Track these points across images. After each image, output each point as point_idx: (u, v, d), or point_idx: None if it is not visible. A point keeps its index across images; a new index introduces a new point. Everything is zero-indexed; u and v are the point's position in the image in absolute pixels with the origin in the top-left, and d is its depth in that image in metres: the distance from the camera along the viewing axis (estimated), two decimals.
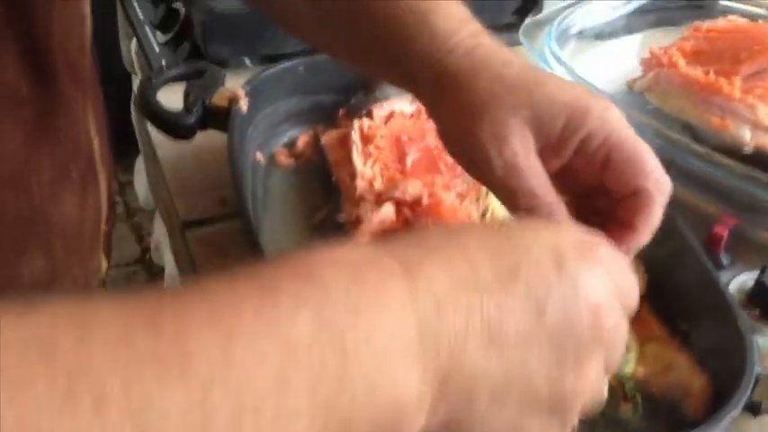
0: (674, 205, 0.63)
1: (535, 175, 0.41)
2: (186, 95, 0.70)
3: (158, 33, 1.26)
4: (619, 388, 0.52)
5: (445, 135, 0.45)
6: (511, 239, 0.34)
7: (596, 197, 0.44)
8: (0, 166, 0.42)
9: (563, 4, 0.81)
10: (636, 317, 0.57)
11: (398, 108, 0.73)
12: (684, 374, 0.51)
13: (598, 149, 0.41)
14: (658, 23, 0.86)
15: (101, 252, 0.58)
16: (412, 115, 0.74)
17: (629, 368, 0.53)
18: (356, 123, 0.71)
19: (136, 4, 1.39)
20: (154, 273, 2.37)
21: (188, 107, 0.69)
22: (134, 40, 1.47)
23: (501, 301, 0.31)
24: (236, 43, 0.87)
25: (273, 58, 0.90)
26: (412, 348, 0.29)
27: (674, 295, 0.57)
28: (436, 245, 0.33)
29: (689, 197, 0.64)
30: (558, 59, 0.71)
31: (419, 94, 0.48)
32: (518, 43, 0.99)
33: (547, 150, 0.42)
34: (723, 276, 0.62)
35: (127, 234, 2.55)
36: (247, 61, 0.92)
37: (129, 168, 2.39)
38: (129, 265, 2.41)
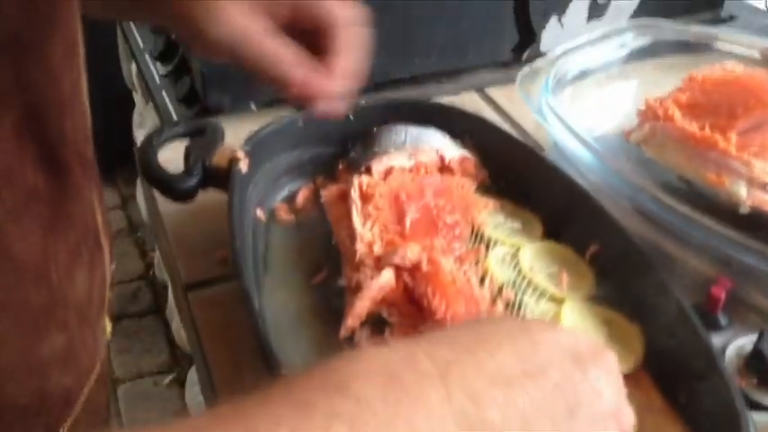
0: (671, 266, 0.65)
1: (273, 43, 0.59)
2: (186, 157, 0.70)
3: (158, 63, 1.27)
4: None
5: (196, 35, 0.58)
6: (535, 343, 0.37)
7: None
8: (23, 261, 0.44)
9: (558, 50, 0.81)
10: (635, 386, 0.59)
11: (397, 163, 0.74)
12: None
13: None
14: (656, 67, 0.87)
15: (105, 315, 0.59)
16: (411, 170, 0.74)
17: None
18: (355, 180, 0.72)
19: (135, 33, 1.40)
20: (157, 289, 2.38)
21: (188, 169, 0.69)
22: (134, 63, 1.48)
23: (534, 395, 0.34)
24: (235, 92, 0.87)
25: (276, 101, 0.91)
26: None
27: (671, 364, 0.58)
28: (466, 347, 0.35)
29: (685, 258, 0.64)
30: (554, 112, 0.72)
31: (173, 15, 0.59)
32: (515, 79, 1.00)
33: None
34: (721, 338, 0.63)
35: (130, 249, 2.56)
36: (252, 105, 0.93)
37: (132, 181, 2.40)
38: (133, 281, 2.42)
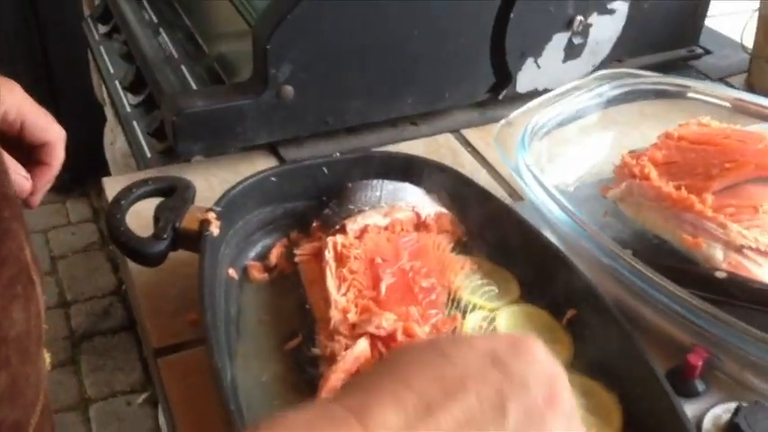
0: (647, 331, 0.65)
1: None
2: (156, 220, 0.69)
3: (129, 94, 1.25)
4: None
5: None
6: (448, 357, 0.37)
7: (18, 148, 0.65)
8: None
9: (535, 102, 0.81)
10: None
11: (372, 222, 0.73)
12: None
13: (15, 119, 0.64)
14: (632, 114, 0.87)
15: (43, 348, 0.58)
16: (386, 227, 0.73)
17: None
18: (330, 241, 0.70)
19: (106, 58, 1.38)
20: (130, 305, 2.34)
21: (158, 234, 0.68)
22: (103, 86, 1.46)
23: (458, 413, 0.34)
24: (206, 139, 0.86)
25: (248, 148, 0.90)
26: None
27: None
28: (381, 384, 0.36)
29: (661, 326, 0.64)
30: (531, 172, 0.71)
31: None
32: (492, 120, 0.99)
33: None
34: (698, 406, 0.63)
35: (102, 264, 2.51)
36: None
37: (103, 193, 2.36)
38: (105, 297, 2.38)
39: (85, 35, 1.44)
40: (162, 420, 1.80)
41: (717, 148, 0.72)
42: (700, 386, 0.63)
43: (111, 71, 1.34)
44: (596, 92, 0.83)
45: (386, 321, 0.62)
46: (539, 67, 0.99)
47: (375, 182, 0.76)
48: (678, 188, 0.70)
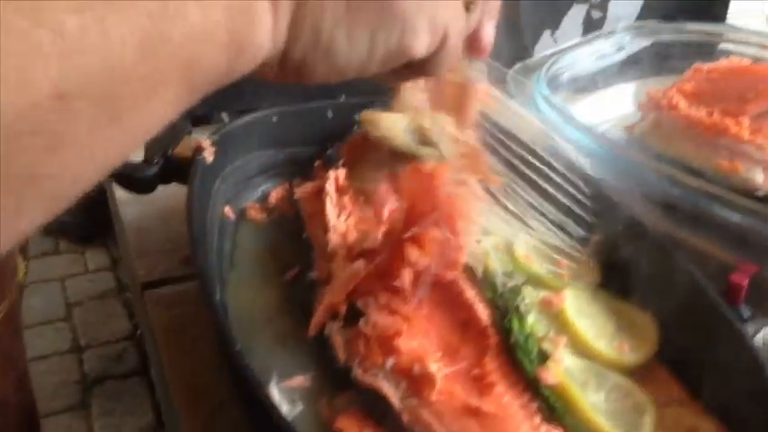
0: (685, 254, 0.58)
1: None
2: (146, 146, 0.64)
3: None
4: None
5: None
6: None
7: None
8: None
9: (551, 51, 0.76)
10: (651, 378, 0.51)
11: None
12: None
13: None
14: (653, 71, 0.82)
15: (18, 254, 0.55)
16: None
17: None
18: (331, 175, 0.65)
19: None
20: (144, 350, 2.29)
21: (148, 158, 0.63)
22: None
23: None
24: (210, 97, 0.82)
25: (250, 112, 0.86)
26: None
27: (694, 354, 0.50)
28: None
29: (701, 245, 0.57)
30: (550, 103, 0.66)
31: None
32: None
33: None
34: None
35: (118, 310, 2.48)
36: (225, 117, 0.88)
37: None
38: (119, 342, 2.32)
39: None
40: None
41: (750, 74, 0.67)
42: (746, 311, 0.56)
43: None
44: (617, 41, 0.79)
45: (382, 235, 0.56)
46: (555, 41, 0.95)
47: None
48: (710, 114, 0.65)
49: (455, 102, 0.51)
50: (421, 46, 0.34)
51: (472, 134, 0.51)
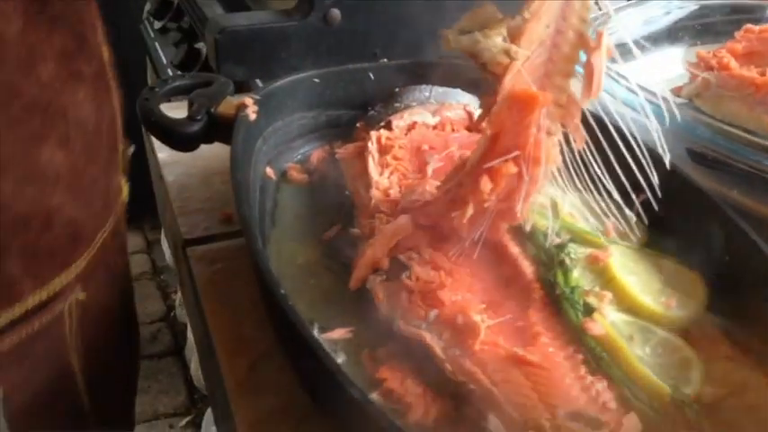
0: (735, 213, 0.57)
1: None
2: (190, 104, 0.65)
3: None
4: (677, 413, 0.43)
5: None
6: None
7: None
8: (4, 50, 0.43)
9: (596, 14, 0.74)
10: (699, 336, 0.50)
11: (420, 119, 0.67)
12: (762, 396, 0.43)
13: None
14: (700, 35, 0.80)
15: (120, 171, 0.58)
16: (435, 126, 0.68)
17: (692, 389, 0.45)
18: (373, 135, 0.65)
19: (159, 49, 1.38)
20: (177, 330, 2.32)
21: (192, 115, 0.63)
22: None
23: None
24: (249, 63, 0.82)
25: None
26: None
27: (744, 312, 0.49)
28: None
29: (751, 203, 0.56)
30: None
31: None
32: None
33: None
34: None
35: (153, 291, 2.51)
36: (259, 83, 0.88)
37: (157, 227, 2.37)
38: (154, 323, 2.36)
39: (143, 39, 1.45)
40: None
41: None
42: None
43: (164, 61, 1.34)
44: (664, 5, 0.77)
45: (430, 187, 0.56)
46: (600, 8, 0.94)
47: (424, 86, 0.71)
48: (763, 74, 0.63)
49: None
50: None
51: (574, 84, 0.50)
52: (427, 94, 0.69)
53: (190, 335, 2.03)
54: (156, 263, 2.65)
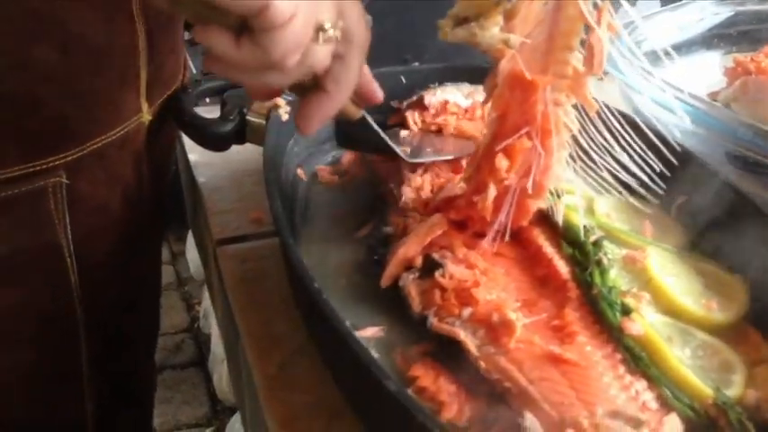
0: None
1: None
2: (223, 104, 0.65)
3: None
4: (720, 415, 0.42)
5: None
6: None
7: None
8: None
9: (629, 18, 0.74)
10: (740, 339, 0.49)
11: (452, 97, 0.66)
12: None
13: None
14: (735, 41, 0.79)
15: (139, 95, 0.59)
16: (466, 110, 0.67)
17: (735, 392, 0.43)
18: (408, 116, 0.64)
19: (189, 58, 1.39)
20: (201, 341, 2.33)
21: (224, 115, 0.64)
22: None
23: None
24: None
25: None
26: None
27: None
28: None
29: None
30: (633, 65, 0.64)
31: None
32: None
33: None
34: None
35: (177, 303, 2.52)
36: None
37: (182, 238, 2.39)
38: (178, 333, 2.37)
39: None
40: None
41: None
42: None
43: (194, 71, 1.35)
44: (699, 10, 0.76)
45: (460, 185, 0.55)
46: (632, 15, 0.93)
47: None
48: None
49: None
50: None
51: (578, 56, 0.49)
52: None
53: (213, 346, 2.03)
54: (180, 274, 2.66)
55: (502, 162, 0.46)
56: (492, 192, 0.48)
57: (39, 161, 0.54)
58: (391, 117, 0.69)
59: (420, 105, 0.64)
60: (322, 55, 0.43)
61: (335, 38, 0.43)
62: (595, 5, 0.47)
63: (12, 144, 0.52)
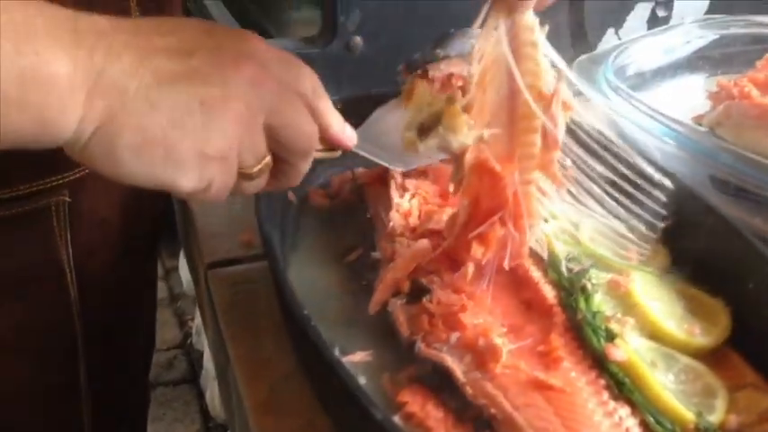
0: (758, 239, 0.56)
1: None
2: None
3: None
4: None
5: None
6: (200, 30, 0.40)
7: None
8: None
9: (617, 42, 0.75)
10: (723, 363, 0.49)
11: (457, 70, 0.67)
12: None
13: None
14: (721, 65, 0.80)
15: None
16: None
17: (717, 417, 0.44)
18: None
19: None
20: (193, 358, 2.32)
21: None
22: None
23: (155, 41, 0.37)
24: None
25: None
26: (65, 37, 0.34)
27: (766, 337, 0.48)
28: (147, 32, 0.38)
29: None
30: (618, 90, 0.65)
31: None
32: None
33: None
34: None
35: (169, 319, 2.52)
36: None
37: (175, 254, 2.39)
38: (170, 350, 2.36)
39: None
40: None
41: None
42: None
43: None
44: (684, 34, 0.77)
45: (446, 216, 0.56)
46: (619, 38, 0.94)
47: (476, 31, 0.69)
48: None
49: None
50: (186, 185, 0.39)
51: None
52: (473, 41, 0.68)
53: (206, 363, 2.03)
54: (173, 290, 2.65)
55: (477, 251, 0.48)
56: (471, 268, 0.49)
57: (44, 181, 0.56)
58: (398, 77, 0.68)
59: (425, 77, 0.64)
60: (256, 183, 0.43)
61: (267, 165, 0.43)
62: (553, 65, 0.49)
63: (18, 165, 0.53)
